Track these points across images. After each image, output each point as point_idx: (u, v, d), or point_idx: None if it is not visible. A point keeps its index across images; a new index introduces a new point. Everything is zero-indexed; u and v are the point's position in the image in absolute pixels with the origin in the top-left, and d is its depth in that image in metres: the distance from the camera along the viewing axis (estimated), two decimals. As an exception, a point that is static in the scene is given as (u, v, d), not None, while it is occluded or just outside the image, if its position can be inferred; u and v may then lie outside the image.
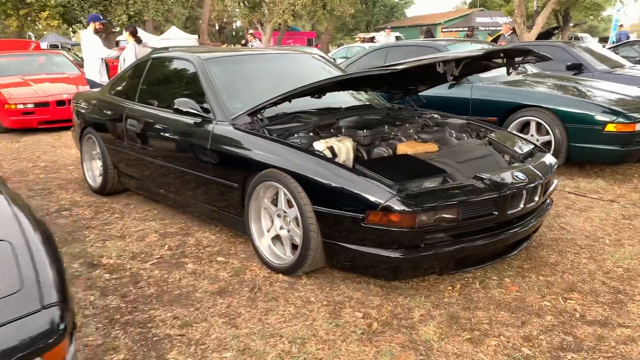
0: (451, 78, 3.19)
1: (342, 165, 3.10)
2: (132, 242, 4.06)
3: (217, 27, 57.88)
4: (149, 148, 4.50)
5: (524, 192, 3.18)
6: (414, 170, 3.09)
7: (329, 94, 4.06)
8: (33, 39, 33.40)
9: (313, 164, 3.17)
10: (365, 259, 3.02)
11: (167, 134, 4.26)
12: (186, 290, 3.26)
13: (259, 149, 3.49)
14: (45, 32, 37.36)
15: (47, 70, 10.69)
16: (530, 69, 7.21)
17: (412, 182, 2.98)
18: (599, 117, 5.38)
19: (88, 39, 8.44)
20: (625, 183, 5.49)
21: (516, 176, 3.21)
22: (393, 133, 3.70)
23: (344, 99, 4.40)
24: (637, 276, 3.35)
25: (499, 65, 3.89)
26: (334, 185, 3.04)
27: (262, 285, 3.30)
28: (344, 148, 3.38)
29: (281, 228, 3.47)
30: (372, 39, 28.97)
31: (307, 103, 4.06)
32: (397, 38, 25.92)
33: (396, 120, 3.99)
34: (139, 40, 9.13)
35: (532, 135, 5.80)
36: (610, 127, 5.30)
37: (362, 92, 4.60)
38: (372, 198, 2.90)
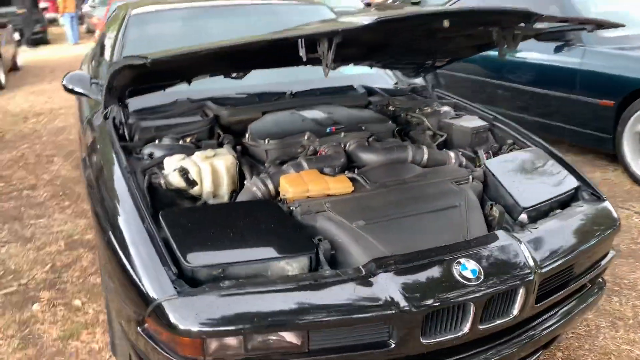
0: (332, 65, 1.66)
1: (143, 215, 1.78)
2: (27, 251, 3.22)
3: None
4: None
5: (472, 306, 1.59)
6: (251, 242, 1.67)
7: (286, 70, 2.70)
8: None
9: (111, 201, 1.92)
10: None
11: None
12: (-24, 358, 2.32)
13: (97, 159, 2.32)
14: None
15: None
16: None
17: (235, 266, 1.59)
18: None
19: None
20: None
21: (459, 268, 1.61)
22: (312, 147, 2.23)
23: (308, 76, 2.94)
24: None
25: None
26: (117, 247, 1.77)
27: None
28: (208, 170, 2.04)
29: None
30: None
31: (243, 83, 2.73)
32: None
33: (359, 120, 2.45)
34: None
35: (667, 134, 3.69)
36: None
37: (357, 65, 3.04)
38: (146, 290, 1.59)
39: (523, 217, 1.95)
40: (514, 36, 1.96)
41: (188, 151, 2.17)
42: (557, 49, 4.37)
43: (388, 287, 1.54)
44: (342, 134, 2.26)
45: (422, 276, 1.58)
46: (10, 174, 4.62)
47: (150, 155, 2.17)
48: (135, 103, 2.55)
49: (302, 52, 1.61)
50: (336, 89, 2.88)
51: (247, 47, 1.71)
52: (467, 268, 1.60)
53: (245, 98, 2.70)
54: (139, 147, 2.24)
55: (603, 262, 2.04)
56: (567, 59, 4.27)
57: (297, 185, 1.90)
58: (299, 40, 1.59)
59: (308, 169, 2.03)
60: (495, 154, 2.44)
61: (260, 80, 2.93)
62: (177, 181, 2.02)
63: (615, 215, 2.05)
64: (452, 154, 2.26)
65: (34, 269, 3.02)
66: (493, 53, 4.80)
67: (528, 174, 2.13)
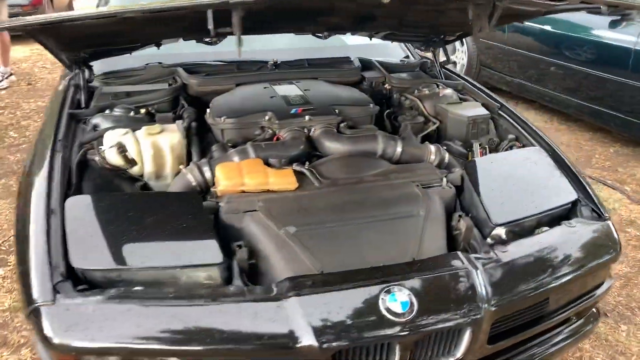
0: (242, 42, 1.35)
1: (51, 199, 1.58)
2: (13, 209, 3.16)
3: None
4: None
5: (397, 346, 1.32)
6: (157, 244, 1.44)
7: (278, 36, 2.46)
8: None
9: (31, 177, 1.71)
10: None
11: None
12: None
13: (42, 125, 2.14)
14: None
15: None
16: None
17: (131, 271, 1.38)
18: None
19: None
20: None
21: (387, 298, 1.33)
22: (271, 130, 1.96)
23: (303, 44, 2.64)
24: None
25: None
26: (19, 230, 1.58)
27: None
28: (149, 148, 1.83)
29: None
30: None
31: (230, 49, 2.50)
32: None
33: (336, 100, 2.14)
34: None
35: None
36: None
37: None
38: (30, 288, 1.40)
39: (498, 233, 1.63)
40: (491, 14, 1.59)
41: (137, 124, 1.96)
42: (613, 25, 3.83)
43: (296, 314, 1.29)
44: (307, 117, 1.98)
45: (339, 305, 1.31)
46: (27, 125, 4.60)
47: (95, 127, 1.97)
48: (105, 65, 2.38)
49: (210, 25, 1.33)
50: (329, 61, 2.58)
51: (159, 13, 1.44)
52: (397, 299, 1.32)
53: (222, 66, 2.45)
54: (90, 116, 2.04)
55: (596, 294, 1.70)
56: (622, 37, 3.73)
57: (231, 177, 1.65)
58: (207, 11, 1.31)
59: (254, 157, 1.77)
60: (494, 150, 2.11)
61: (248, 46, 2.68)
62: (114, 159, 1.81)
63: (616, 237, 1.69)
64: (432, 148, 1.93)
65: (12, 229, 2.94)
66: (542, 26, 4.30)
67: (517, 180, 1.78)
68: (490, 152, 2.09)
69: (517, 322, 1.51)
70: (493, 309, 1.38)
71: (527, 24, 4.54)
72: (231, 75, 2.35)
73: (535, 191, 1.76)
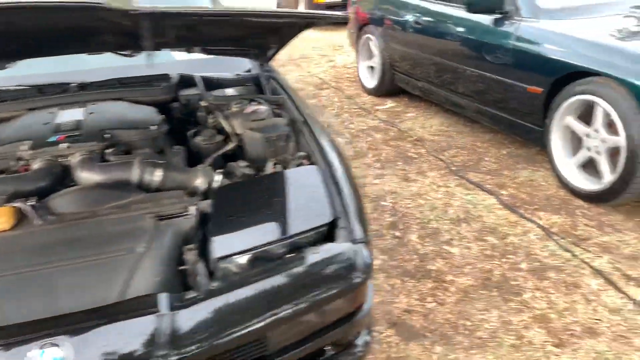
0: None
1: None
2: None
3: None
4: None
5: None
6: None
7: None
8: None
9: None
10: None
11: None
12: None
13: None
14: None
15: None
16: None
17: None
18: None
19: None
20: None
21: (38, 355, 1.20)
22: (24, 161, 1.84)
23: (123, 63, 2.50)
24: None
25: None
26: None
27: None
28: None
29: None
30: None
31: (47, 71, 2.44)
32: None
33: (113, 123, 2.00)
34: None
35: (596, 131, 3.04)
36: None
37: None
38: None
39: (240, 263, 1.50)
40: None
41: None
42: (497, 22, 3.72)
43: None
44: (65, 144, 1.84)
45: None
46: None
47: None
48: None
49: None
50: (144, 79, 2.45)
51: None
52: (45, 357, 1.19)
53: (24, 90, 2.32)
54: None
55: (347, 323, 1.57)
56: (501, 35, 3.62)
57: None
58: None
59: None
60: (285, 168, 1.98)
61: (67, 67, 2.57)
62: None
63: (367, 262, 1.55)
64: (200, 174, 1.80)
65: None
66: (432, 24, 4.18)
67: (268, 205, 1.65)
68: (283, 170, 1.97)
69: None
70: (173, 359, 1.25)
71: (421, 22, 4.43)
72: (26, 100, 2.23)
73: (284, 216, 1.62)
